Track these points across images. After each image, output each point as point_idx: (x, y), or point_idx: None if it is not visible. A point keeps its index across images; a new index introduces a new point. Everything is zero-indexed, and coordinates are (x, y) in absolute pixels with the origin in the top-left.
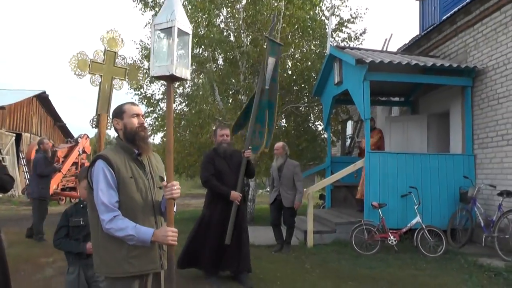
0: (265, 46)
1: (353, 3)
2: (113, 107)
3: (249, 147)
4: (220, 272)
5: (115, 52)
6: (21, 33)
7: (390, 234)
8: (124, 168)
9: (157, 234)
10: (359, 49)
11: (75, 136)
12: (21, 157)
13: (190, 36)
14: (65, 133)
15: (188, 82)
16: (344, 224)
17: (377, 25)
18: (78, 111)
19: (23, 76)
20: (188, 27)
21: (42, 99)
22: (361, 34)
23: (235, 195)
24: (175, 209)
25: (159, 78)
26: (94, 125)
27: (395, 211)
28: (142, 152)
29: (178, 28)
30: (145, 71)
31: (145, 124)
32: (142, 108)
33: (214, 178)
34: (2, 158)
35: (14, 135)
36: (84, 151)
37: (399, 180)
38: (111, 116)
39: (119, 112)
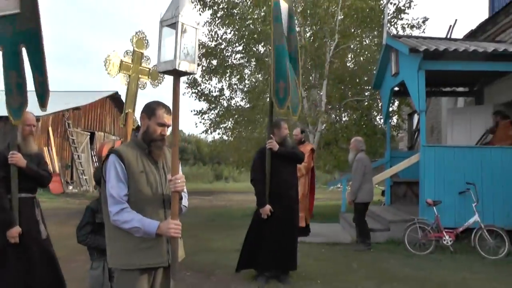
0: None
1: None
2: (138, 105)
3: (271, 137)
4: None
5: (142, 53)
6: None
7: (445, 234)
8: (136, 162)
9: (162, 227)
10: (417, 37)
11: None
12: (93, 154)
13: (197, 31)
14: (138, 131)
15: (249, 78)
16: (398, 222)
17: (444, 11)
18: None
19: (99, 77)
20: (194, 22)
21: (115, 99)
22: (423, 22)
23: (265, 211)
24: (186, 204)
25: (165, 73)
26: (123, 124)
27: (452, 209)
28: (153, 157)
29: (183, 23)
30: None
31: (166, 133)
32: (202, 105)
33: (261, 181)
34: (78, 155)
35: (89, 134)
36: None
37: (457, 176)
38: (141, 110)
39: (150, 112)
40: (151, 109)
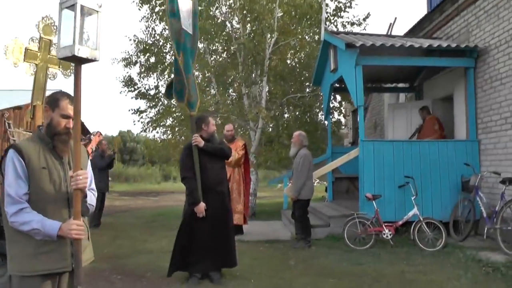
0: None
1: None
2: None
3: (195, 134)
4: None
5: (51, 40)
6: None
7: (384, 228)
8: (37, 158)
9: (63, 228)
10: (356, 33)
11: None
12: None
13: (99, 14)
14: (83, 130)
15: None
16: (338, 217)
17: (385, 9)
18: (97, 107)
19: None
20: (95, 4)
21: None
22: (364, 19)
23: (199, 209)
24: (93, 203)
25: (64, 60)
26: (31, 117)
27: (392, 203)
28: (57, 152)
29: (82, 5)
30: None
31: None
32: (141, 104)
33: (193, 179)
34: None
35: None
36: (97, 149)
37: (396, 169)
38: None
39: (53, 104)
40: (54, 100)
